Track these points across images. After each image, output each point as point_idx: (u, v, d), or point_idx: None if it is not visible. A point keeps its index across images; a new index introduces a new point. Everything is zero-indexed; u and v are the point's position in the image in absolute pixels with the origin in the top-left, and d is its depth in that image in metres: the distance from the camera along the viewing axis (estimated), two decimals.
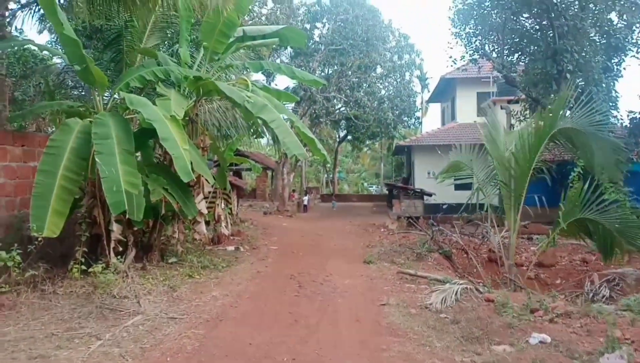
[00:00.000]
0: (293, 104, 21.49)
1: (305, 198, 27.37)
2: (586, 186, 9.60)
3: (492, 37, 17.76)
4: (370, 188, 56.20)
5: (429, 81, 30.84)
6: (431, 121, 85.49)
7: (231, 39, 9.31)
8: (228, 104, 12.18)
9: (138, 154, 8.70)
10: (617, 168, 9.64)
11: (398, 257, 10.64)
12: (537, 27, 13.25)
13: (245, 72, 10.88)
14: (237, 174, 35.84)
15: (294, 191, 28.46)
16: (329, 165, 45.28)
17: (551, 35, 12.53)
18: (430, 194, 17.12)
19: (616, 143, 10.12)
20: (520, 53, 14.34)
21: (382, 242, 12.89)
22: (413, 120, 31.02)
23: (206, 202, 12.45)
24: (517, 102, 20.63)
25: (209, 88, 8.98)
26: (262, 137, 12.12)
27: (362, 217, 24.28)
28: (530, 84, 14.07)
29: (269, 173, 32.23)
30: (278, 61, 25.19)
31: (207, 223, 12.28)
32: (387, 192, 37.52)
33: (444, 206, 16.05)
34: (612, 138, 9.78)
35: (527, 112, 17.81)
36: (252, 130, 11.78)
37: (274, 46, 21.05)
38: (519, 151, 9.26)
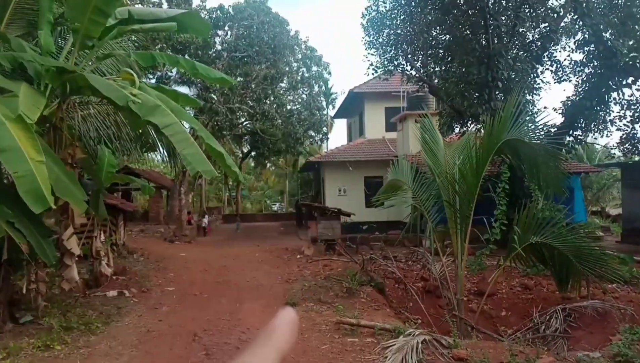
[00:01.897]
0: (193, 111, 19.05)
1: (205, 220, 24.68)
2: (540, 205, 8.59)
3: (406, 47, 17.05)
4: (273, 206, 54.29)
5: (335, 95, 30.00)
6: (336, 137, 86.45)
7: (112, 21, 7.01)
8: (110, 109, 9.68)
9: None
10: (561, 181, 8.84)
11: (326, 294, 8.86)
12: (468, 31, 12.51)
13: (130, 66, 8.47)
14: (126, 195, 32.13)
15: (189, 213, 25.65)
16: (234, 183, 42.78)
17: (484, 39, 11.82)
18: (349, 215, 15.68)
19: (560, 154, 9.41)
20: (446, 60, 13.50)
21: (302, 274, 11.03)
22: (320, 135, 29.83)
23: (79, 237, 9.73)
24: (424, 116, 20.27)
25: (78, 84, 6.57)
26: (154, 150, 9.72)
27: (271, 239, 22.29)
28: (456, 94, 13.29)
29: (164, 193, 29.03)
30: (173, 72, 22.57)
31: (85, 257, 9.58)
32: (294, 210, 35.98)
33: (364, 227, 14.69)
34: (555, 149, 9.02)
35: (449, 124, 17.26)
36: (140, 141, 9.36)
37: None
38: (465, 166, 8.05)
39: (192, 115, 18.85)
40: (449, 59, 13.01)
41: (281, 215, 39.80)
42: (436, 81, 15.09)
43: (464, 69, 12.24)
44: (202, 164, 6.07)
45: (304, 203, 23.56)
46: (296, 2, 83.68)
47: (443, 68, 13.52)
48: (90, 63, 7.44)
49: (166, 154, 9.76)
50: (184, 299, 8.79)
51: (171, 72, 22.73)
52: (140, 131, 8.57)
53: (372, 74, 18.01)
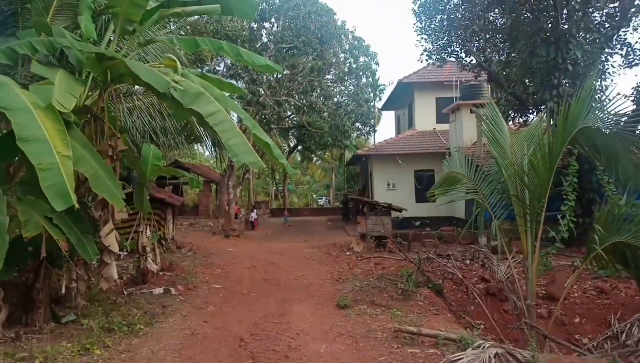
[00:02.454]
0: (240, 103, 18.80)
1: (253, 214, 24.54)
2: (623, 200, 7.58)
3: (461, 32, 16.01)
4: (319, 200, 53.93)
5: (383, 87, 29.02)
6: (383, 130, 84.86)
7: (152, 4, 6.65)
8: (155, 100, 9.44)
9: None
10: None
11: (379, 296, 8.24)
12: (533, 11, 11.37)
13: (175, 54, 8.11)
14: (176, 189, 32.59)
15: (237, 204, 25.59)
16: (281, 177, 42.78)
17: (553, 18, 10.70)
18: (400, 210, 14.93)
19: None
20: (508, 44, 12.37)
21: (353, 272, 10.44)
22: (368, 128, 29.01)
23: (121, 232, 9.56)
24: (481, 106, 19.12)
25: (120, 71, 6.24)
26: (200, 141, 9.38)
27: (319, 234, 21.85)
28: (520, 79, 12.17)
29: (213, 186, 29.20)
30: (220, 67, 22.45)
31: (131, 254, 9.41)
32: (341, 205, 35.39)
33: (417, 223, 13.90)
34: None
35: (507, 114, 16.14)
36: (186, 133, 9.02)
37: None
38: (536, 156, 7.18)
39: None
40: (509, 43, 11.87)
41: (327, 209, 39.35)
42: (495, 67, 13.95)
43: (529, 51, 11.12)
44: (249, 155, 5.59)
45: (353, 197, 22.89)
46: None
47: (504, 52, 12.40)
48: (132, 50, 7.11)
49: (212, 146, 9.40)
50: (231, 298, 8.41)
51: (219, 66, 22.64)
52: (185, 121, 8.23)
53: (426, 60, 17.06)
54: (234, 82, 22.79)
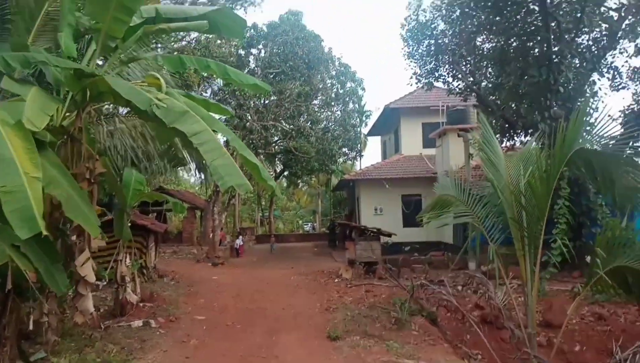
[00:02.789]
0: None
1: (238, 241, 23.97)
2: (624, 223, 7.38)
3: (448, 57, 16.11)
4: (305, 226, 53.39)
5: (369, 113, 29.10)
6: (369, 155, 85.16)
7: (137, 20, 6.38)
8: (137, 122, 9.09)
9: None
10: None
11: (372, 326, 7.83)
12: (525, 32, 11.40)
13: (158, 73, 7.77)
14: (160, 215, 31.89)
15: (222, 230, 25.05)
16: (267, 203, 42.31)
17: (544, 39, 10.68)
18: (389, 235, 14.61)
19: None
20: (497, 66, 12.33)
21: (343, 301, 10.02)
22: (354, 153, 28.90)
23: (100, 260, 9.06)
24: (468, 130, 19.15)
25: (99, 89, 5.91)
26: (184, 165, 9.01)
27: (305, 261, 21.35)
28: (510, 102, 12.10)
29: (198, 213, 28.66)
30: (207, 93, 22.24)
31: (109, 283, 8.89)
32: (327, 231, 34.94)
33: (406, 248, 13.58)
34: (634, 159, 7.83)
35: (498, 136, 16.12)
36: (169, 156, 8.65)
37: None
38: (534, 178, 6.97)
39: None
40: (499, 66, 11.87)
41: (314, 235, 38.85)
42: (484, 90, 13.94)
43: (520, 73, 11.08)
44: (236, 177, 5.25)
45: (341, 222, 22.55)
46: (327, 18, 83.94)
47: (493, 76, 12.38)
48: (114, 67, 6.80)
49: (197, 170, 9.04)
50: (215, 330, 7.92)
51: (206, 92, 22.40)
52: (168, 144, 7.88)
53: (415, 84, 17.09)
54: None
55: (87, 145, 6.22)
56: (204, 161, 6.80)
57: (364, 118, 28.78)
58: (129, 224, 12.03)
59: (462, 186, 8.07)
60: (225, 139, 8.45)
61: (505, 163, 7.89)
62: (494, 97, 12.91)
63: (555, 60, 10.66)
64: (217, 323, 8.36)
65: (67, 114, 6.49)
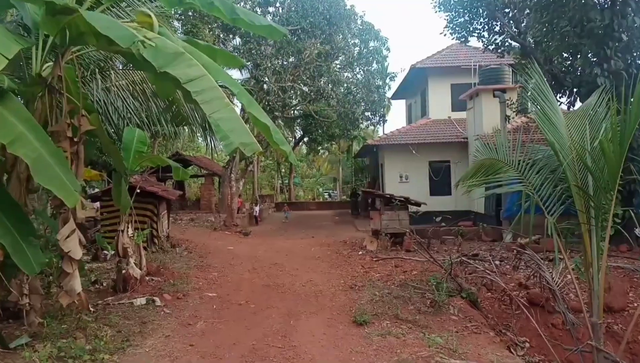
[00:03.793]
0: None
1: (256, 209, 23.16)
2: None
3: (484, 9, 14.52)
4: (325, 194, 52.46)
5: (394, 75, 27.45)
6: (392, 121, 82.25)
7: None
8: (137, 77, 8.06)
9: None
10: None
11: (404, 308, 6.83)
12: None
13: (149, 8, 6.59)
14: (180, 183, 31.28)
15: (240, 197, 24.28)
16: (287, 170, 41.52)
17: None
18: (419, 204, 13.48)
19: None
20: (546, 12, 10.70)
21: (369, 277, 9.03)
22: (378, 117, 27.47)
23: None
24: (504, 91, 17.59)
25: (80, 29, 4.83)
26: (188, 124, 7.97)
27: (326, 230, 20.47)
28: (561, 53, 10.54)
29: (216, 180, 27.89)
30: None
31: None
32: (348, 198, 33.93)
33: (438, 219, 12.45)
34: None
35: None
36: (171, 113, 7.59)
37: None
38: (606, 138, 5.75)
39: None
40: (550, 10, 10.22)
41: (335, 203, 37.90)
42: (529, 40, 12.34)
43: (578, 17, 9.46)
44: (241, 134, 4.21)
45: (365, 190, 21.42)
46: None
47: (542, 22, 10.77)
48: (98, 4, 5.68)
49: (203, 131, 8.01)
50: (226, 310, 7.04)
51: None
52: (171, 99, 6.81)
53: (450, 34, 15.51)
54: (237, 73, 21.33)
55: (72, 98, 5.20)
56: (204, 117, 5.73)
57: (387, 80, 27.18)
58: (138, 191, 11.28)
59: (514, 147, 6.88)
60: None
61: (564, 123, 6.66)
62: (541, 49, 11.35)
63: (620, 2, 9.10)
64: (229, 302, 7.47)
65: (49, 63, 5.49)
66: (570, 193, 6.15)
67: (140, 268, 8.32)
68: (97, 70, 7.76)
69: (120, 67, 8.06)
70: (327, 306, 7.10)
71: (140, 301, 7.20)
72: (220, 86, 4.47)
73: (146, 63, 4.30)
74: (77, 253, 4.97)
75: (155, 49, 4.23)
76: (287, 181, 41.56)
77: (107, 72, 7.91)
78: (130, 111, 8.15)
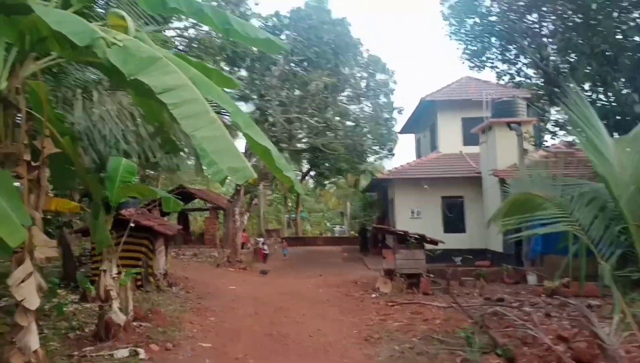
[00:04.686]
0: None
1: (265, 246, 22.05)
2: None
3: (497, 40, 13.97)
4: (334, 228, 51.27)
5: (401, 109, 26.89)
6: (399, 155, 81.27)
7: None
8: (124, 98, 7.32)
9: None
10: None
11: None
12: None
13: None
14: (184, 216, 30.41)
15: (244, 232, 23.32)
16: (293, 204, 40.66)
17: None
18: (436, 243, 12.48)
19: None
20: (573, 40, 9.98)
21: (386, 326, 7.97)
22: (386, 151, 26.69)
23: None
24: (519, 124, 16.83)
25: (41, 33, 4.08)
26: (179, 150, 7.15)
27: (335, 268, 19.36)
28: (597, 77, 9.74)
29: (221, 214, 27.06)
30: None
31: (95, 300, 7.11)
32: (357, 234, 32.82)
33: (458, 259, 11.44)
34: None
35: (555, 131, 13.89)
36: (160, 138, 6.76)
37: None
38: None
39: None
40: (585, 39, 9.44)
41: (343, 239, 36.74)
42: (554, 68, 11.60)
43: (610, 41, 8.72)
44: (229, 158, 3.37)
45: (377, 226, 20.40)
46: (354, 8, 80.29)
47: (571, 47, 10.01)
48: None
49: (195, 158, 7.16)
50: None
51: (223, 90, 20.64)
52: (160, 122, 6.01)
53: (467, 60, 14.86)
54: (244, 105, 20.67)
55: (38, 116, 4.40)
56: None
57: (395, 114, 26.59)
58: (132, 225, 10.42)
59: (554, 180, 5.98)
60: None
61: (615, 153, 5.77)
62: (564, 76, 10.56)
63: None
64: (224, 356, 6.45)
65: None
66: (628, 234, 5.21)
67: (127, 313, 7.36)
68: (79, 90, 7.03)
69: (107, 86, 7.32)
70: None
71: (122, 353, 6.22)
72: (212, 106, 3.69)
73: (122, 75, 3.51)
74: (34, 301, 4.06)
75: (125, 51, 3.43)
76: (294, 216, 40.59)
77: (91, 94, 7.18)
78: (118, 137, 7.37)
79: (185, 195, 27.72)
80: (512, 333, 7.29)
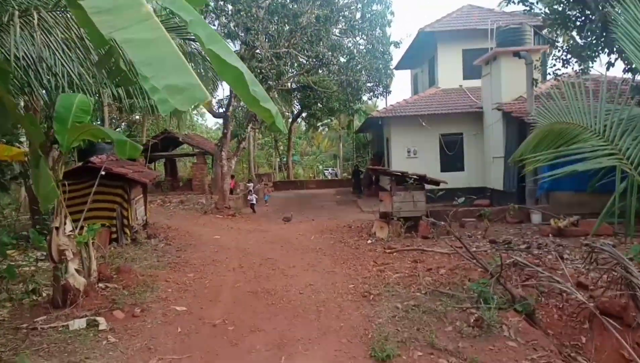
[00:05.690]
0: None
1: (251, 197, 20.88)
2: None
3: None
4: (325, 172, 50.45)
5: (399, 42, 25.10)
6: (395, 94, 78.42)
7: None
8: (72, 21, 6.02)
9: None
10: None
11: (439, 330, 4.93)
12: None
13: None
14: (171, 161, 29.20)
15: (233, 178, 22.26)
16: (282, 147, 39.55)
17: None
18: (437, 183, 11.50)
19: None
20: None
21: (384, 277, 7.10)
22: (381, 88, 25.18)
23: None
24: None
25: None
26: (131, 83, 5.91)
27: (328, 211, 18.59)
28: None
29: (209, 159, 25.91)
30: (214, 25, 18.64)
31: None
32: (350, 176, 31.91)
33: (460, 200, 10.54)
34: None
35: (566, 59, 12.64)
36: (106, 68, 5.48)
37: None
38: None
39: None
40: None
41: (335, 181, 35.92)
42: None
43: None
44: (168, 71, 2.23)
45: (372, 168, 19.38)
46: None
47: None
48: None
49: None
50: (194, 337, 5.13)
51: (213, 24, 18.79)
52: (107, 47, 4.76)
53: None
54: (230, 44, 18.85)
55: None
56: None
57: (392, 48, 24.84)
58: (103, 173, 9.32)
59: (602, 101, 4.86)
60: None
61: None
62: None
63: None
64: (200, 321, 5.55)
65: None
66: None
67: (89, 274, 6.41)
68: (16, 12, 5.70)
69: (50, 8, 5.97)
70: (332, 328, 5.18)
71: (79, 323, 5.29)
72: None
73: None
74: None
75: None
76: (285, 159, 39.53)
77: (31, 17, 5.84)
78: (69, 69, 6.10)
79: (171, 140, 26.45)
80: (528, 283, 6.45)
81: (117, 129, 28.84)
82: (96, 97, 7.13)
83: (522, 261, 6.26)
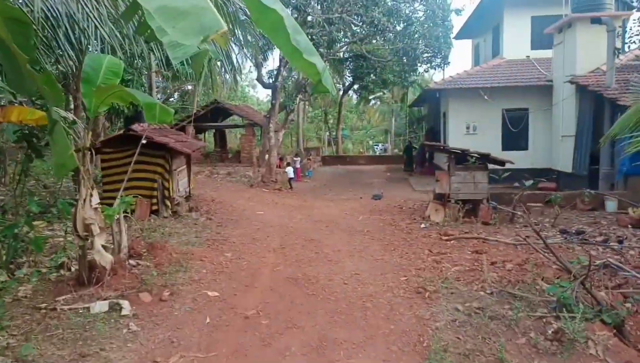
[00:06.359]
0: None
1: (289, 169, 20.06)
2: None
3: None
4: (375, 147, 49.14)
5: (461, 10, 23.31)
6: (453, 65, 74.54)
7: None
8: None
9: None
10: None
11: (509, 341, 4.09)
12: None
13: None
14: (221, 133, 29.06)
15: (280, 158, 21.69)
16: (331, 120, 38.68)
17: None
18: (503, 163, 10.37)
19: None
20: None
21: (441, 270, 6.26)
22: (439, 59, 23.60)
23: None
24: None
25: None
26: (152, 40, 5.25)
27: (378, 190, 17.68)
28: None
29: (259, 131, 25.52)
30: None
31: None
32: (401, 153, 30.66)
33: (529, 182, 9.41)
34: None
35: None
36: (134, 23, 4.79)
37: None
38: None
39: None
40: None
41: (386, 158, 34.72)
42: None
43: None
44: (195, 19, 1.47)
45: (428, 143, 18.24)
46: None
47: None
48: None
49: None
50: (223, 330, 4.54)
51: None
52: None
53: None
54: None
55: None
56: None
57: (452, 16, 23.11)
58: (144, 142, 8.90)
59: None
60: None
61: None
62: None
63: None
64: (232, 311, 4.97)
65: None
66: None
67: (119, 251, 5.98)
68: None
69: None
70: (381, 330, 4.44)
71: (101, 306, 4.83)
72: None
73: None
74: None
75: None
76: (335, 133, 38.67)
77: None
78: (97, 23, 5.53)
79: (220, 111, 26.21)
80: (612, 287, 5.41)
81: (170, 99, 28.93)
82: (139, 61, 6.56)
83: (615, 263, 5.23)
